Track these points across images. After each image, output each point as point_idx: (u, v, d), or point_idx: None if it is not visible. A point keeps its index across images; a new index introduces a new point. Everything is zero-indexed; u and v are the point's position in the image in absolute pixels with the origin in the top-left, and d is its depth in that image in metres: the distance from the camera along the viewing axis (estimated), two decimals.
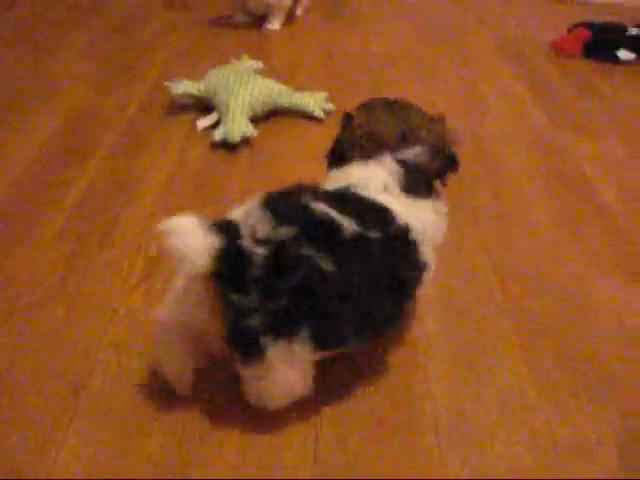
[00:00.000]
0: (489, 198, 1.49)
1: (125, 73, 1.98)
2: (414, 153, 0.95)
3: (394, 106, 1.02)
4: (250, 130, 1.56)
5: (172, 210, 1.34)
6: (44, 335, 1.04)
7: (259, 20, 2.46)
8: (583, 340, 1.10)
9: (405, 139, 0.96)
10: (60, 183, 1.42)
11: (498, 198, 1.49)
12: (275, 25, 2.44)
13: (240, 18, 2.46)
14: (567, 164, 1.68)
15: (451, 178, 1.05)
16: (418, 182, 0.95)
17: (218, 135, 1.55)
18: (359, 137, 0.98)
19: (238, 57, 1.85)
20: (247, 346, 0.83)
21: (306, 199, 0.86)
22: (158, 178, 1.45)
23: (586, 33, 2.50)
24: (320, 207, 0.85)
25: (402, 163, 0.94)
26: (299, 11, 2.59)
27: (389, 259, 0.88)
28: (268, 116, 1.71)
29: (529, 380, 1.02)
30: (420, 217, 0.93)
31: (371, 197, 0.90)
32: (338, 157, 1.01)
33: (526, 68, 2.30)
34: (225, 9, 2.55)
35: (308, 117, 1.74)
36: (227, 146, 1.56)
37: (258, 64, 1.82)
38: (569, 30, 2.57)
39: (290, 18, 2.53)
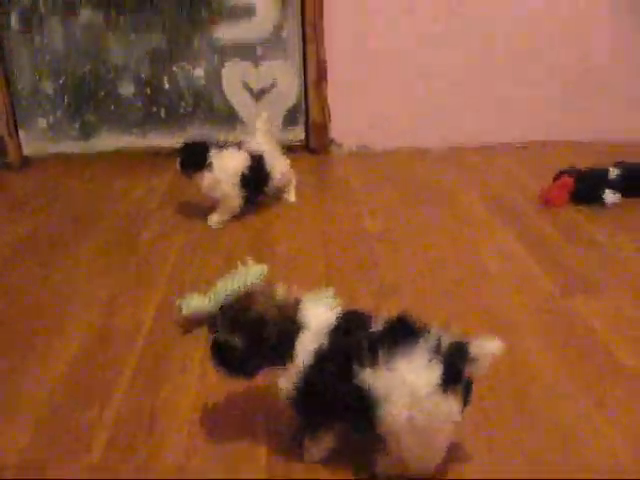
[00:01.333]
0: (505, 375, 1.50)
1: (133, 287, 2.03)
2: None
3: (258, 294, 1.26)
4: None
5: (205, 445, 1.35)
6: None
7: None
8: None
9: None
10: (85, 424, 1.42)
11: (515, 375, 1.51)
12: (214, 219, 2.50)
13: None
14: (578, 327, 1.71)
15: None
16: None
17: None
18: (275, 321, 1.20)
19: (243, 262, 1.90)
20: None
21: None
22: (183, 405, 1.47)
23: (570, 181, 2.59)
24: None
25: None
26: (291, 197, 2.68)
27: None
28: None
29: None
30: None
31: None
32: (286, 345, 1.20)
33: (519, 225, 2.37)
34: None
35: None
36: None
37: (263, 269, 1.86)
38: (554, 179, 2.65)
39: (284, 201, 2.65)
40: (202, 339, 1.71)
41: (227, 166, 2.44)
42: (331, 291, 1.82)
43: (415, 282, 1.97)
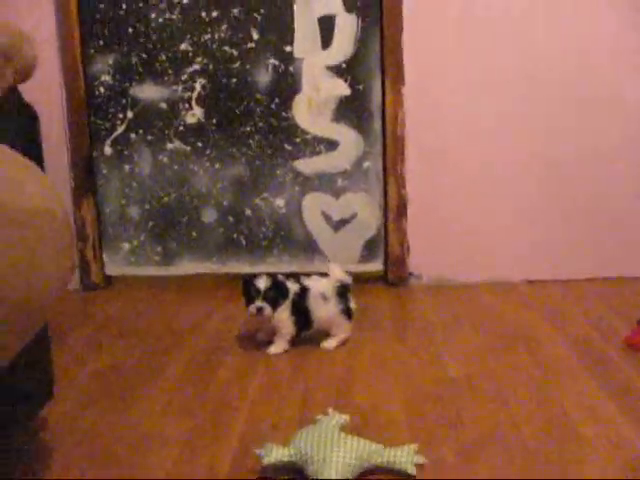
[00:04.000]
0: None
1: (210, 427, 2.01)
2: None
3: None
4: None
5: None
6: None
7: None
8: None
9: None
10: None
11: None
12: (276, 349, 2.57)
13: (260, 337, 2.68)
14: None
15: None
16: None
17: None
18: None
19: (324, 412, 1.88)
20: None
21: None
22: None
23: None
24: None
25: None
26: (326, 344, 2.60)
27: None
28: (358, 476, 1.70)
29: None
30: None
31: None
32: None
33: (606, 374, 2.28)
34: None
35: (399, 474, 1.72)
36: None
37: (345, 419, 1.83)
38: (638, 323, 2.58)
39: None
40: None
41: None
42: (414, 447, 1.77)
43: (501, 441, 1.89)
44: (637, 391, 2.16)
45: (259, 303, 2.48)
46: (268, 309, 2.49)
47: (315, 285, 2.57)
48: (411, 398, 2.16)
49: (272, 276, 2.55)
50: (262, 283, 2.49)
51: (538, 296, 3.13)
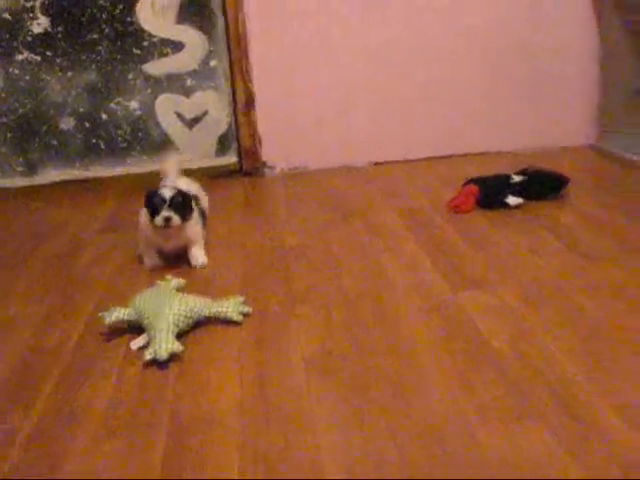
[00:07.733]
0: (390, 375, 1.71)
1: (66, 306, 2.20)
2: None
3: None
4: (176, 346, 1.78)
5: (115, 434, 1.54)
6: None
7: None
8: None
9: None
10: (11, 424, 1.60)
11: (396, 369, 1.71)
12: (204, 258, 2.48)
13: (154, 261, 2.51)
14: (462, 321, 1.91)
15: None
16: None
17: (148, 355, 1.76)
18: None
19: (163, 279, 2.11)
20: None
21: None
22: (99, 404, 1.65)
23: (475, 189, 2.82)
24: None
25: None
26: None
27: None
28: (193, 327, 1.94)
29: None
30: None
31: None
32: None
33: (426, 232, 2.59)
34: None
35: (227, 322, 1.98)
36: (158, 363, 1.77)
37: (180, 282, 2.07)
38: (462, 187, 2.88)
39: None
40: (121, 348, 1.90)
41: None
42: (240, 299, 2.02)
43: (322, 292, 2.16)
44: (451, 245, 2.46)
45: (166, 213, 2.32)
46: (176, 218, 2.33)
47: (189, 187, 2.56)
48: (248, 266, 2.42)
49: (176, 188, 2.41)
50: (168, 193, 2.34)
51: (380, 175, 3.40)
